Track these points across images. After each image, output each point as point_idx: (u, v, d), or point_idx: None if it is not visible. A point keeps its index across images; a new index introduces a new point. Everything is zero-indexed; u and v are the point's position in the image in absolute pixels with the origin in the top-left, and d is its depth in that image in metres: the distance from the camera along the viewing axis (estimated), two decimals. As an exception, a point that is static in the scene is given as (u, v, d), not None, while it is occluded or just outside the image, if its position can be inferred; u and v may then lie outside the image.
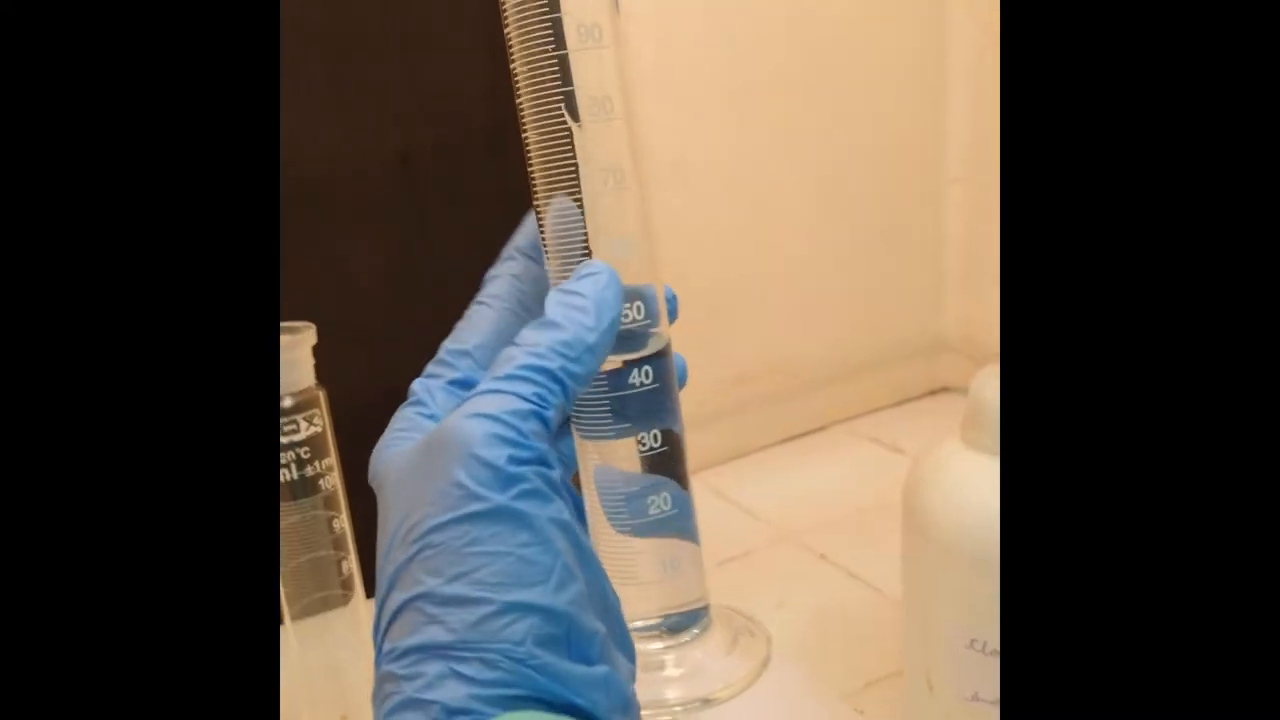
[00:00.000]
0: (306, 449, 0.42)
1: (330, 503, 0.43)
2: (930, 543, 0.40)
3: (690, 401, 0.77)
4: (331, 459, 0.43)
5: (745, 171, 0.74)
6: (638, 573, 0.29)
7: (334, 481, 0.43)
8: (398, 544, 0.23)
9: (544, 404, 0.24)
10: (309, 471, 0.42)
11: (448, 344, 0.28)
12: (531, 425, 0.24)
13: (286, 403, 0.42)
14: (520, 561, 0.22)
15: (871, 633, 0.55)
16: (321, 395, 0.43)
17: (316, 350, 0.44)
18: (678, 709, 0.28)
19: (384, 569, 0.24)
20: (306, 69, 0.66)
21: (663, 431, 0.28)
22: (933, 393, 0.88)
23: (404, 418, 0.27)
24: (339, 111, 0.66)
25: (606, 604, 0.25)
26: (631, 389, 0.28)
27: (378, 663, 0.23)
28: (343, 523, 0.44)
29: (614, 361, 0.28)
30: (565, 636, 0.23)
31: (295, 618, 0.44)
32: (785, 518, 0.70)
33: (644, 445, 0.28)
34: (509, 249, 0.30)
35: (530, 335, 0.25)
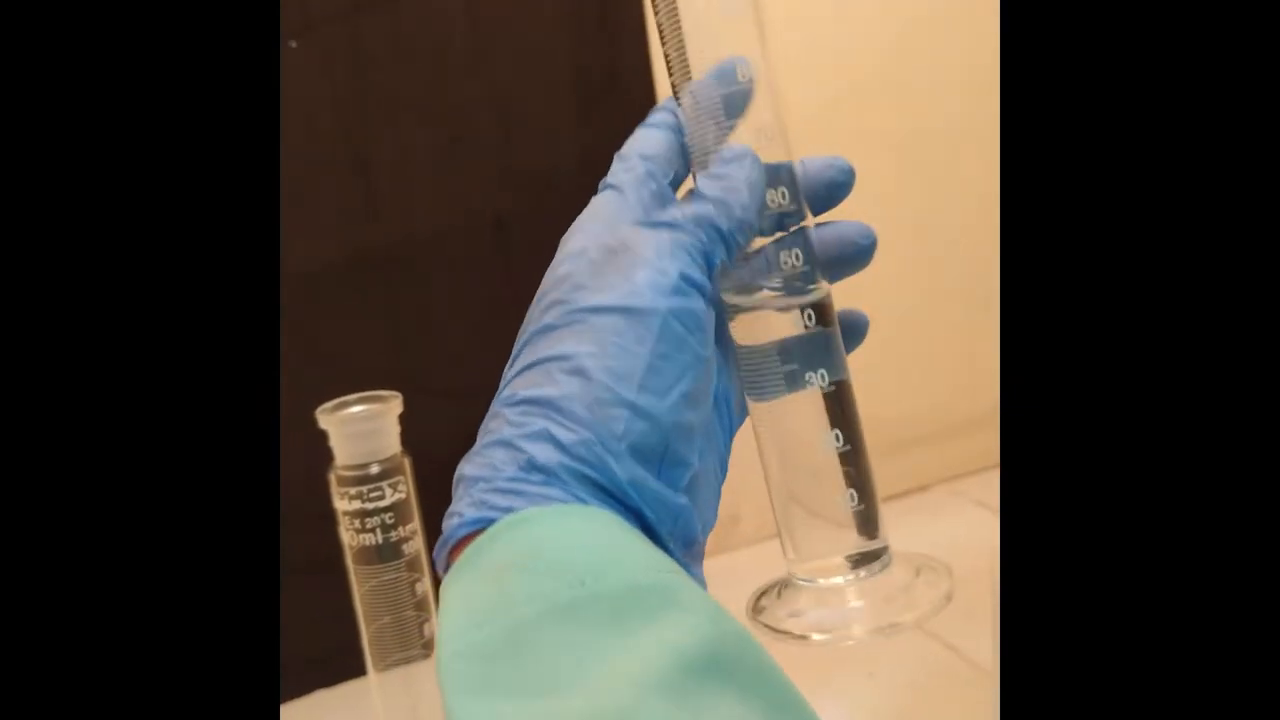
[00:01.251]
0: (391, 514, 0.43)
1: (413, 566, 0.44)
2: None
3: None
4: (415, 524, 0.44)
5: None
6: (827, 511, 0.30)
7: (417, 546, 0.44)
8: (553, 309, 0.26)
9: (712, 254, 0.27)
10: (393, 536, 0.43)
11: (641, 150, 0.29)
12: (701, 262, 0.26)
13: (373, 469, 0.43)
14: (650, 368, 0.24)
15: (968, 710, 0.53)
16: (406, 461, 0.44)
17: (407, 412, 0.45)
18: (864, 632, 0.29)
19: (529, 325, 0.26)
20: (405, 136, 0.69)
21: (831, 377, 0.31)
22: (1041, 452, 0.84)
23: (627, 167, 0.29)
24: (435, 176, 0.69)
25: (709, 452, 0.27)
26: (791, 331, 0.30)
27: (496, 400, 0.26)
28: (425, 585, 0.45)
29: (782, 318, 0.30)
30: (660, 452, 0.24)
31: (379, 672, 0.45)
32: (880, 583, 0.68)
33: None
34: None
35: (697, 205, 0.27)
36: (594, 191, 0.31)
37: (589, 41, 0.74)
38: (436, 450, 0.48)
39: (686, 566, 0.25)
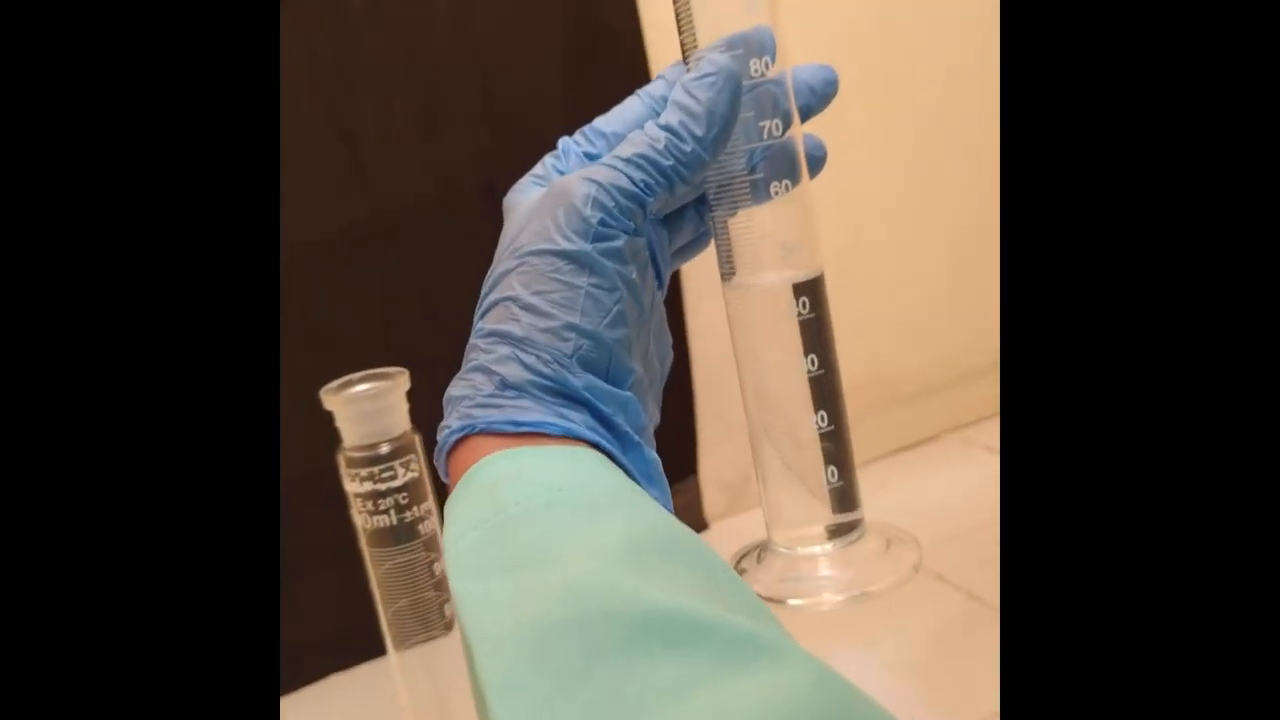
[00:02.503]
0: (405, 494, 0.42)
1: (430, 545, 0.43)
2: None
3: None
4: (430, 503, 0.43)
5: (838, 174, 0.72)
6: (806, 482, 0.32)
7: (433, 525, 0.43)
8: (505, 256, 0.30)
9: (648, 191, 0.30)
10: (408, 516, 0.42)
11: (596, 122, 0.33)
12: (630, 205, 0.29)
13: (384, 449, 0.42)
14: (588, 297, 0.29)
15: (994, 658, 0.52)
16: (417, 440, 0.43)
17: (413, 389, 0.44)
18: (836, 600, 0.31)
19: (492, 272, 0.30)
20: (390, 106, 0.67)
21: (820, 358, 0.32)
22: (1050, 395, 0.84)
23: (543, 164, 0.33)
24: (423, 145, 0.67)
25: (648, 359, 0.31)
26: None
27: (473, 334, 0.30)
28: (444, 565, 0.44)
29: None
30: (606, 363, 0.29)
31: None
32: (897, 535, 0.67)
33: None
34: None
35: (654, 131, 0.30)
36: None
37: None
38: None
39: (640, 447, 0.30)
